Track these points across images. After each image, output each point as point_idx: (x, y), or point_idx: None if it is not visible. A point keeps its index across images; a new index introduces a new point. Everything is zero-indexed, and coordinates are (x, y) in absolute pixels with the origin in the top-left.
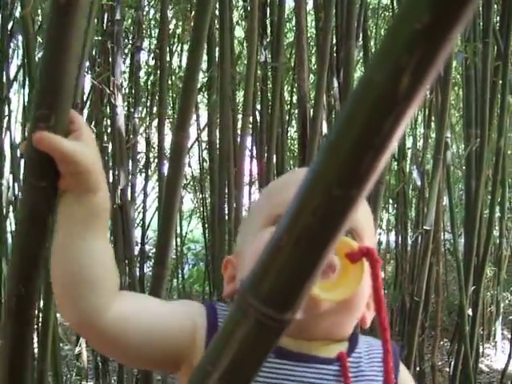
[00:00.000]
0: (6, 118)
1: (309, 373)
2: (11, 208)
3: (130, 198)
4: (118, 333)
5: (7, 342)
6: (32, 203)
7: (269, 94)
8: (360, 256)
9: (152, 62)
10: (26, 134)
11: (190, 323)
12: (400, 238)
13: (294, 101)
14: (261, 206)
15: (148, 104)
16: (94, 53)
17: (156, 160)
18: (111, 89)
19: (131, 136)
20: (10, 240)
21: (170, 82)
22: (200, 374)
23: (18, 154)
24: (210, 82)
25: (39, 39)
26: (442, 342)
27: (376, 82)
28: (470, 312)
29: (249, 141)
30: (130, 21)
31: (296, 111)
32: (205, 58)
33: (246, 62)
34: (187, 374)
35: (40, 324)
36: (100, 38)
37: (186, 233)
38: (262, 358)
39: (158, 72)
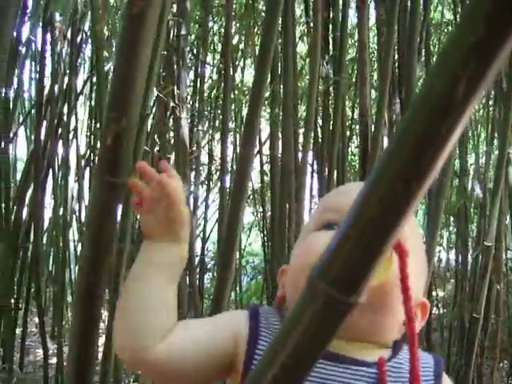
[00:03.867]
0: (73, 129)
1: (347, 374)
2: (74, 217)
3: (192, 209)
4: (168, 366)
5: (77, 328)
6: (104, 198)
7: (330, 110)
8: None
9: (215, 77)
10: (103, 132)
11: (230, 333)
12: (460, 256)
13: (355, 116)
14: (313, 213)
15: (210, 117)
16: (159, 67)
17: (217, 172)
18: (176, 102)
19: (194, 148)
20: (72, 248)
21: (232, 96)
22: (270, 353)
23: (83, 165)
24: (272, 96)
25: (106, 53)
26: (501, 364)
27: (435, 89)
28: None
29: (310, 155)
30: (194, 36)
31: (357, 127)
32: None
33: (308, 76)
34: (235, 379)
35: (106, 325)
36: (166, 52)
37: (245, 246)
38: (328, 338)
39: (222, 86)
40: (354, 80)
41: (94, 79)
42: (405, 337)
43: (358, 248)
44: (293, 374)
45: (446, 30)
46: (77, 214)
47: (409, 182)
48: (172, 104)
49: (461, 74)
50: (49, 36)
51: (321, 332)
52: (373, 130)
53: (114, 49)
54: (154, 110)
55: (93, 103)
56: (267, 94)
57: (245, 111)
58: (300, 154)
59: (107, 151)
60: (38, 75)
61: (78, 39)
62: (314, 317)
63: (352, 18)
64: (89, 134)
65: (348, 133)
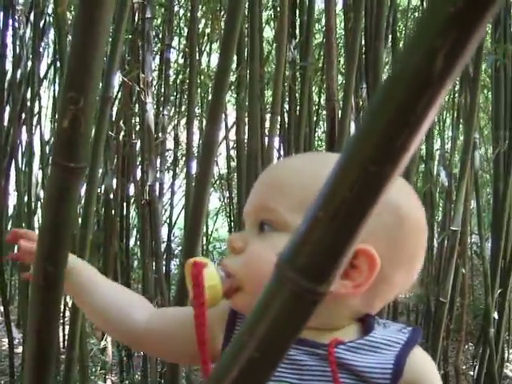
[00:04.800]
0: (37, 115)
1: (300, 353)
2: (39, 204)
3: (158, 195)
4: (154, 338)
5: (35, 318)
6: (60, 184)
7: (297, 95)
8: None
9: (181, 61)
10: (56, 117)
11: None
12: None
13: (322, 102)
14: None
15: (176, 102)
16: (124, 50)
17: (183, 158)
18: (141, 86)
19: (160, 133)
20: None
21: (198, 81)
22: (237, 344)
23: (47, 151)
24: (238, 81)
25: (70, 37)
26: (466, 346)
27: (411, 63)
28: (495, 315)
29: (276, 140)
30: (159, 20)
31: (323, 112)
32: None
33: (274, 61)
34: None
35: (69, 316)
36: (130, 36)
37: (212, 231)
38: (297, 329)
39: (187, 71)
40: (320, 65)
41: (58, 64)
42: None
43: (330, 232)
44: (259, 368)
45: (412, 16)
46: (41, 201)
47: (382, 164)
48: (137, 88)
49: (438, 47)
50: (10, 20)
51: (289, 323)
52: (340, 114)
53: None
54: (118, 95)
55: (57, 88)
56: (233, 79)
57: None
58: (266, 139)
59: (64, 134)
60: None
61: (41, 23)
62: (281, 307)
63: (319, 2)
64: (53, 120)
65: (315, 118)
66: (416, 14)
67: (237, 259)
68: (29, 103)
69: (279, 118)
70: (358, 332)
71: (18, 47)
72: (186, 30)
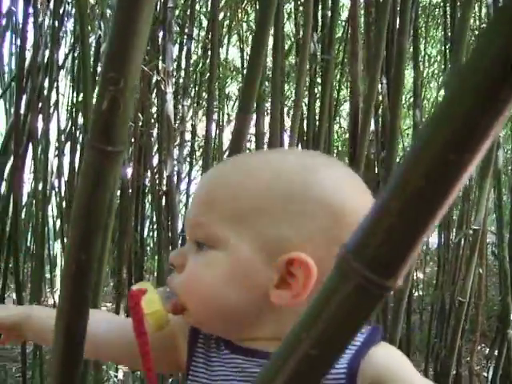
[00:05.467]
0: (54, 103)
1: (254, 365)
2: (54, 193)
3: (175, 185)
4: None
5: (65, 307)
6: (97, 167)
7: (315, 89)
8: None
9: (199, 52)
10: (95, 96)
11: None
12: (443, 239)
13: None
14: None
15: (194, 93)
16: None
17: (200, 149)
18: (161, 75)
19: (178, 123)
20: (51, 223)
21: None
22: (291, 341)
23: (63, 139)
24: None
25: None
26: (479, 347)
27: (492, 50)
28: None
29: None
30: (180, 9)
31: (341, 108)
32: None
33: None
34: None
35: None
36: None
37: None
38: (359, 325)
39: (206, 62)
40: (339, 60)
41: (76, 53)
42: None
43: (401, 223)
44: (316, 367)
45: (433, 14)
46: (56, 189)
47: (461, 153)
48: (156, 78)
49: None
50: (31, 8)
51: (351, 319)
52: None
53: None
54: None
55: (74, 77)
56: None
57: (229, 88)
58: (287, 133)
59: (102, 117)
60: (19, 48)
61: (61, 11)
62: (344, 301)
63: None
64: (70, 108)
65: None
66: (437, 11)
67: (177, 277)
68: (46, 92)
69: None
70: None
71: (37, 35)
72: (205, 21)
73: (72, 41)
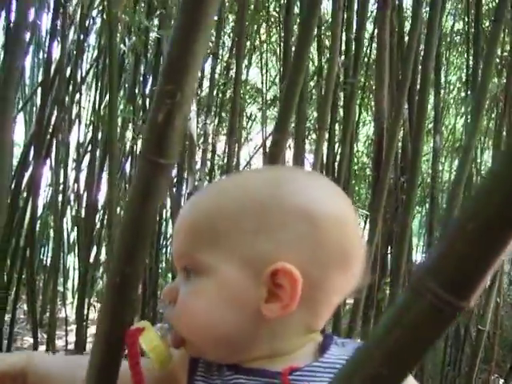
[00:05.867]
0: (75, 116)
1: (252, 383)
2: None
3: None
4: None
5: (107, 321)
6: (150, 180)
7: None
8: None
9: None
10: (151, 111)
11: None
12: None
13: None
14: None
15: (216, 112)
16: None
17: (219, 169)
18: None
19: (200, 141)
20: (65, 236)
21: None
22: (361, 358)
23: (81, 153)
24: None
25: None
26: (492, 377)
27: None
28: None
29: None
30: None
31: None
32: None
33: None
34: None
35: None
36: None
37: None
38: (431, 344)
39: (227, 82)
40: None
41: (99, 66)
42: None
43: (479, 244)
44: None
45: (455, 40)
46: (71, 203)
47: None
48: None
49: None
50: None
51: (423, 338)
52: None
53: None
54: None
55: (94, 92)
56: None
57: (250, 109)
58: (311, 155)
59: (157, 129)
60: (44, 60)
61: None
62: (417, 320)
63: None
64: (89, 123)
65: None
66: (458, 38)
67: (171, 310)
68: (67, 104)
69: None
70: (314, 354)
71: (62, 48)
72: (227, 40)
73: (95, 54)
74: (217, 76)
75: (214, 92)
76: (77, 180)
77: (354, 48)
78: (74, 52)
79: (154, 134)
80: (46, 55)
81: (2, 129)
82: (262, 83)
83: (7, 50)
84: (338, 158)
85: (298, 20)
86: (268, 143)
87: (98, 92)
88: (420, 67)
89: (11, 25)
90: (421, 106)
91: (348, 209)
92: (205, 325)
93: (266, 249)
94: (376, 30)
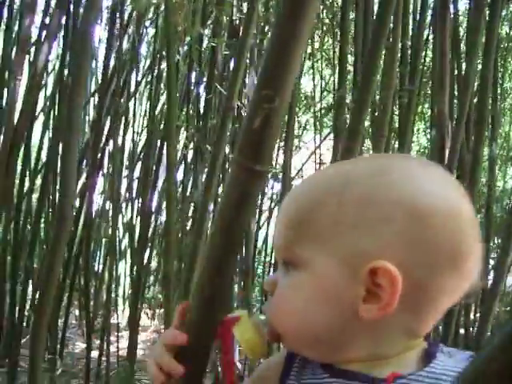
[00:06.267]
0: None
1: None
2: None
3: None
4: None
5: (195, 329)
6: (244, 187)
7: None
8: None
9: None
10: (248, 112)
11: None
12: None
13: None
14: None
15: None
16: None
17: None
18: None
19: None
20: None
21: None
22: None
23: (134, 161)
24: (338, 103)
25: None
26: None
27: None
28: None
29: None
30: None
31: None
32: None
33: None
34: None
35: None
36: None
37: None
38: None
39: None
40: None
41: (153, 76)
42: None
43: None
44: None
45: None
46: (123, 211)
47: None
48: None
49: None
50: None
51: None
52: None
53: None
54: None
55: (146, 102)
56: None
57: (302, 118)
58: None
59: (253, 135)
60: (102, 71)
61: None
62: None
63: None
64: (141, 130)
65: None
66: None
67: (269, 303)
68: (122, 113)
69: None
70: (417, 362)
71: (114, 59)
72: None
73: (150, 64)
74: None
75: None
76: (129, 188)
77: (410, 55)
78: (128, 60)
79: (250, 140)
80: (101, 63)
81: (70, 131)
82: (315, 91)
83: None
84: None
85: (353, 26)
86: (320, 151)
87: (151, 100)
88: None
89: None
90: (481, 113)
91: (462, 202)
92: (299, 319)
93: (365, 245)
94: (431, 36)
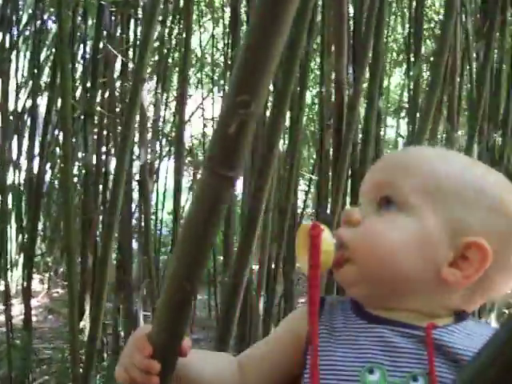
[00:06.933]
0: None
1: (395, 334)
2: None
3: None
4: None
5: (163, 337)
6: (215, 194)
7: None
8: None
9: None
10: (222, 118)
11: (290, 340)
12: None
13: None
14: None
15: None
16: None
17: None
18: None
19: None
20: None
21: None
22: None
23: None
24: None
25: None
26: None
27: None
28: None
29: None
30: None
31: None
32: None
33: None
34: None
35: None
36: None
37: None
38: None
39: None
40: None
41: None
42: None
43: None
44: None
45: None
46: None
47: None
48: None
49: None
50: None
51: None
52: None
53: None
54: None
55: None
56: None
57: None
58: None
59: (228, 141)
60: None
61: None
62: None
63: None
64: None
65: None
66: None
67: (352, 231)
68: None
69: None
70: (451, 321)
71: None
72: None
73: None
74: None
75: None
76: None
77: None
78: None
79: (224, 146)
80: None
81: None
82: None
83: None
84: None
85: None
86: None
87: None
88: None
89: None
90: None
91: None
92: (389, 257)
93: (471, 221)
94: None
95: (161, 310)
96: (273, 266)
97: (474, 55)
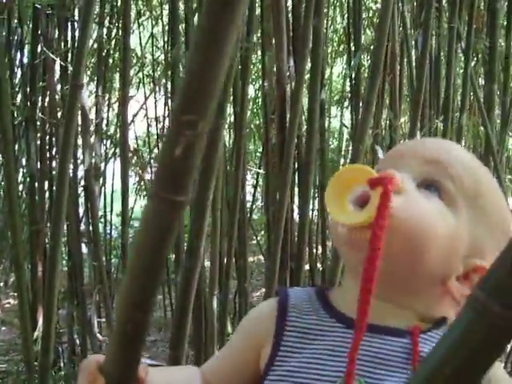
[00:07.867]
0: None
1: (376, 342)
2: None
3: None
4: None
5: (116, 367)
6: (163, 220)
7: None
8: (378, 182)
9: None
10: (168, 139)
11: (249, 347)
12: None
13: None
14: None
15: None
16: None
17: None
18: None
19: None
20: None
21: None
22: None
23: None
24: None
25: None
26: None
27: None
28: None
29: None
30: None
31: None
32: None
33: None
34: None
35: None
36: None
37: None
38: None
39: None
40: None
41: None
42: None
43: None
44: None
45: None
46: None
47: None
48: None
49: None
50: None
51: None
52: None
53: None
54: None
55: None
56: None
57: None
58: None
59: (174, 164)
60: None
61: None
62: (480, 339)
63: None
64: None
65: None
66: None
67: (397, 198)
68: None
69: None
70: (432, 327)
71: None
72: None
73: None
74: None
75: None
76: None
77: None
78: None
79: (171, 170)
80: None
81: None
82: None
83: None
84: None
85: None
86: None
87: None
88: None
89: None
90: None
91: None
92: (428, 241)
93: (486, 245)
94: None
95: (113, 340)
96: (225, 261)
97: (413, 43)
